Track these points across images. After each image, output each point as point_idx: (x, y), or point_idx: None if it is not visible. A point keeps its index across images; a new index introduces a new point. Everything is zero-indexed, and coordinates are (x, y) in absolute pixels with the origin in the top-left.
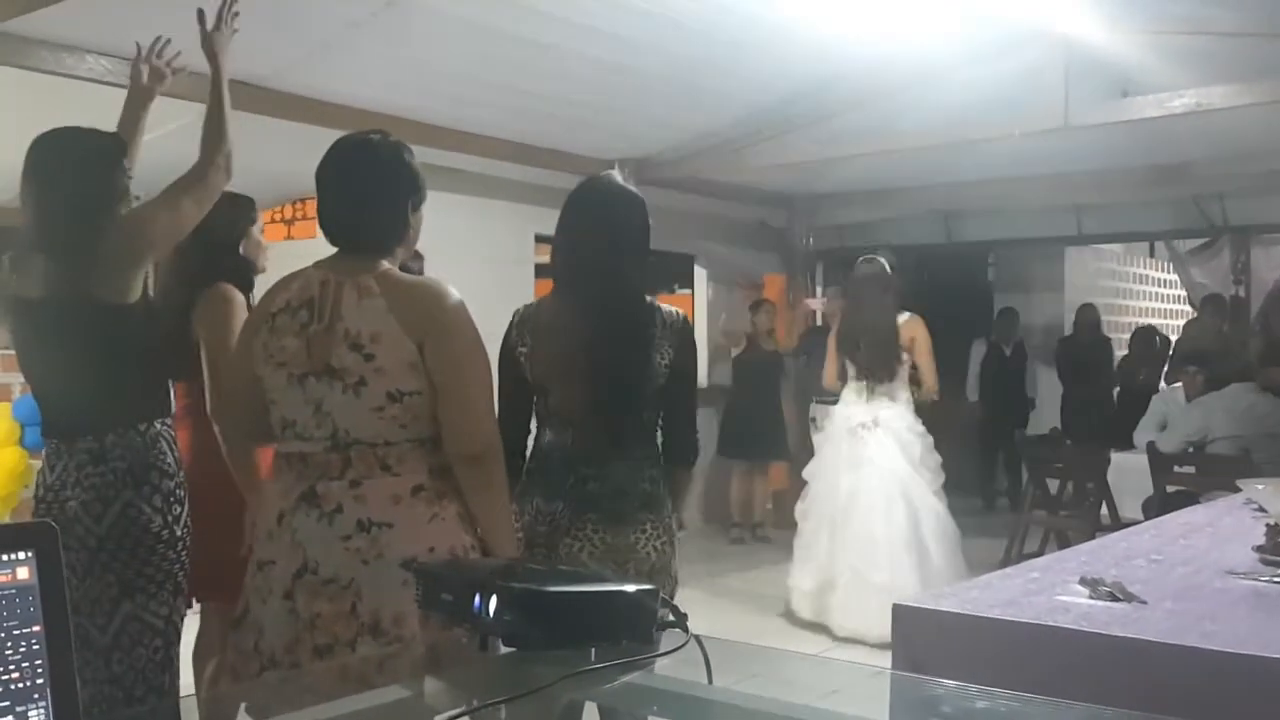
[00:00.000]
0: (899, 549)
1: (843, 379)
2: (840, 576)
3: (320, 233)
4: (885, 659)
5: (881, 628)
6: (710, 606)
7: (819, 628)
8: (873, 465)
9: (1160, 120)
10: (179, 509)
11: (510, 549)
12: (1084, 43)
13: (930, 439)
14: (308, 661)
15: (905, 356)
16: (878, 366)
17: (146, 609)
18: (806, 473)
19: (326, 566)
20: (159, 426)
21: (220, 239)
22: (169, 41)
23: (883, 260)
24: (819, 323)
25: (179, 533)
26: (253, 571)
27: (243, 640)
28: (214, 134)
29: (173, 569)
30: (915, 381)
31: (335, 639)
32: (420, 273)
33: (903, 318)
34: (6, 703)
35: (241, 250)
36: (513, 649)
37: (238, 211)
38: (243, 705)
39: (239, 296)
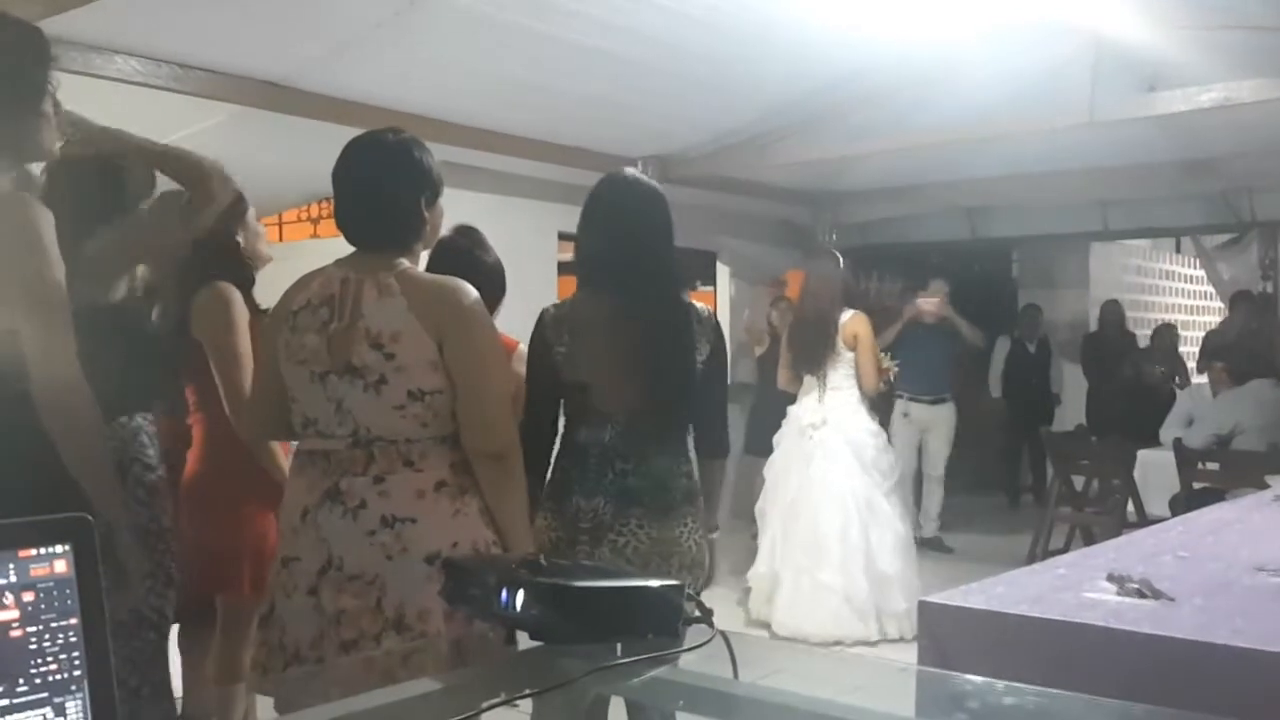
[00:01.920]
0: (845, 550)
1: (799, 379)
2: (786, 574)
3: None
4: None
5: (825, 627)
6: (726, 600)
7: (760, 624)
8: (819, 465)
9: (1188, 115)
10: (163, 501)
11: (527, 545)
12: (1111, 36)
13: (884, 437)
14: (332, 657)
15: (849, 354)
16: (809, 358)
17: (141, 600)
18: (765, 470)
19: (351, 562)
20: (140, 420)
21: (214, 232)
22: None
23: (836, 254)
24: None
25: (166, 524)
26: (277, 568)
27: (269, 635)
28: (188, 166)
29: (163, 559)
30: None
31: (360, 634)
32: (493, 261)
33: (847, 315)
34: (45, 694)
35: (240, 240)
36: (539, 643)
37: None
38: (269, 699)
39: (236, 294)
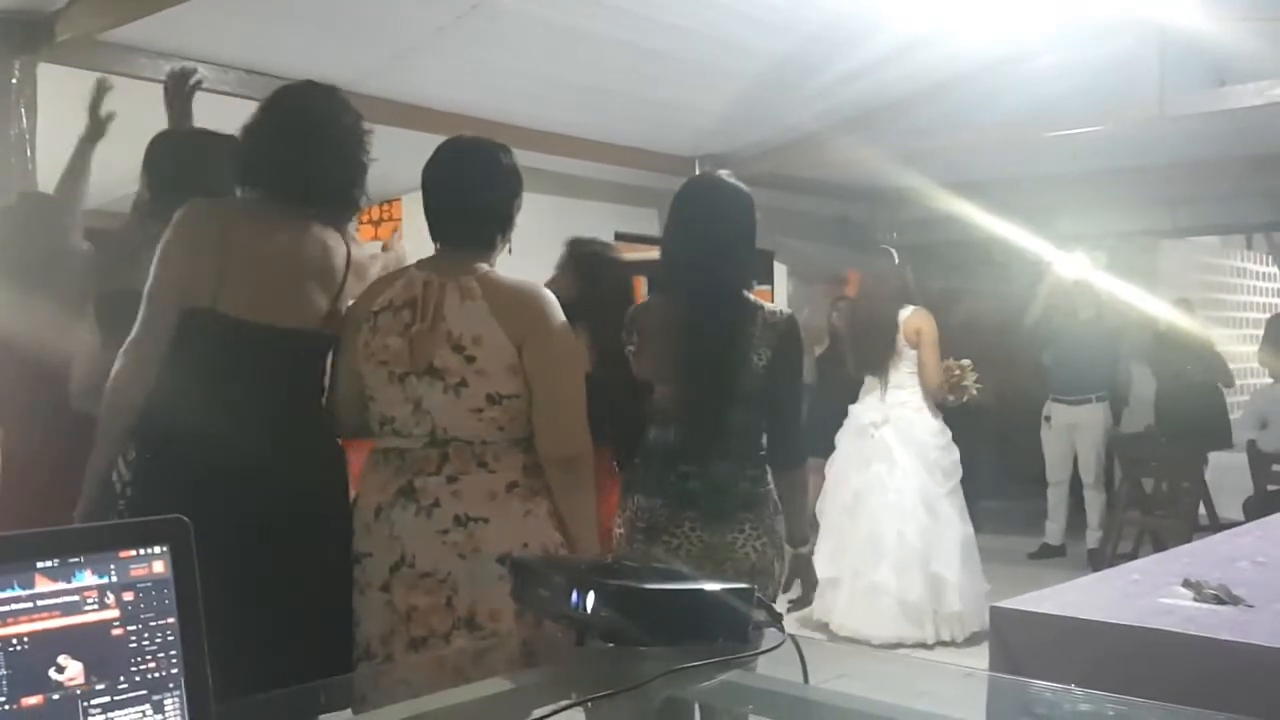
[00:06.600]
0: (902, 551)
1: (860, 378)
2: (844, 575)
3: (405, 233)
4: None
5: (884, 629)
6: (780, 601)
7: (818, 625)
8: (881, 465)
9: (1260, 109)
10: None
11: (595, 549)
12: (1179, 29)
13: (948, 436)
14: (403, 653)
15: (911, 352)
16: (869, 357)
17: None
18: (826, 469)
19: (424, 560)
20: None
21: None
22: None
23: (891, 251)
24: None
25: None
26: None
27: None
28: None
29: None
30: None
31: (431, 631)
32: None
33: (907, 311)
34: (144, 691)
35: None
36: (609, 645)
37: None
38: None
39: None
